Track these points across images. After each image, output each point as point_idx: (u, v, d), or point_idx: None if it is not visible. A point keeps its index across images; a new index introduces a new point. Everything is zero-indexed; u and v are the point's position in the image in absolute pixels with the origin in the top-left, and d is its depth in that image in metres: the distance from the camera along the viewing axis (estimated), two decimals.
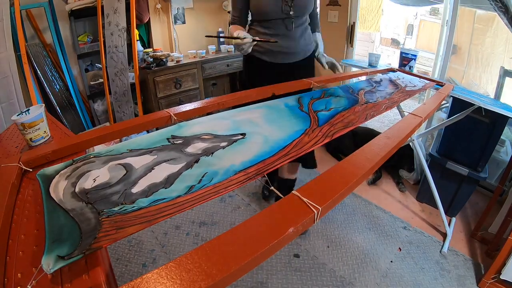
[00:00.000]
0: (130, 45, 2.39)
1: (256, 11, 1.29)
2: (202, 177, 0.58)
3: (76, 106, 2.56)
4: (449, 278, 1.39)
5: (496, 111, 1.34)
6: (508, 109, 1.37)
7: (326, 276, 1.40)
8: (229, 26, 1.43)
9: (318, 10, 1.56)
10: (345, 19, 2.40)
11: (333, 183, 0.56)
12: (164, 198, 0.52)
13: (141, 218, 0.47)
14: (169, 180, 0.57)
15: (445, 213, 1.70)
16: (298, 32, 1.33)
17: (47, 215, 0.47)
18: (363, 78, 1.55)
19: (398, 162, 2.17)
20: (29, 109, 0.82)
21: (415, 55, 1.82)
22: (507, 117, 1.38)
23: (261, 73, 1.38)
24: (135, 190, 0.54)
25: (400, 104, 1.28)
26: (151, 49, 2.68)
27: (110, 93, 2.55)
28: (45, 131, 0.85)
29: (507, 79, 1.93)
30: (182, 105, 0.92)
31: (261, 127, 0.80)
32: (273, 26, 1.29)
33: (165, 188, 0.55)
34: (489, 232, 1.57)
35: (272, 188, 0.60)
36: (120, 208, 0.49)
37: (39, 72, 2.30)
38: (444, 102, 1.51)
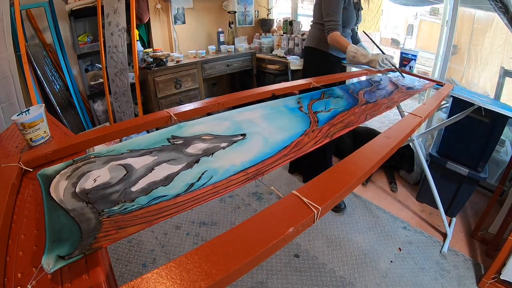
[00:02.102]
0: (130, 45, 2.38)
1: (344, 19, 1.62)
2: (202, 174, 0.58)
3: (76, 106, 2.56)
4: (449, 278, 1.39)
5: (496, 111, 1.34)
6: (508, 109, 1.37)
7: (326, 276, 1.40)
8: (328, 32, 1.57)
9: None
10: None
11: (333, 183, 0.56)
12: (164, 196, 0.52)
13: (141, 218, 0.47)
14: (169, 178, 0.57)
15: (445, 213, 1.70)
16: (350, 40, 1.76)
17: (48, 215, 0.47)
18: (363, 78, 1.56)
19: (398, 162, 2.18)
20: (29, 109, 0.82)
21: (415, 55, 1.83)
22: (507, 117, 1.38)
23: (333, 65, 1.79)
24: (134, 188, 0.54)
25: (400, 104, 1.28)
26: (151, 49, 2.68)
27: (110, 93, 2.55)
28: (45, 131, 0.85)
29: (507, 79, 1.93)
30: (182, 105, 0.92)
31: (261, 128, 0.80)
32: (346, 32, 1.71)
33: (164, 186, 0.55)
34: (489, 232, 1.57)
35: (272, 188, 0.60)
36: (120, 207, 0.49)
37: (39, 72, 2.30)
38: (444, 102, 1.51)
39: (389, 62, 1.51)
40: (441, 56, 2.11)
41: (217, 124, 0.80)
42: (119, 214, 0.48)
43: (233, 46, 3.07)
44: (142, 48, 2.70)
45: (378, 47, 1.66)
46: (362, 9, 1.76)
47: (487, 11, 2.01)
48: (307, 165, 2.06)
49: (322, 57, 1.75)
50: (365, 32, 1.75)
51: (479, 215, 1.68)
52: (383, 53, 1.58)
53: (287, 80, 2.92)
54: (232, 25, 3.17)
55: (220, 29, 3.11)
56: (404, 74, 1.57)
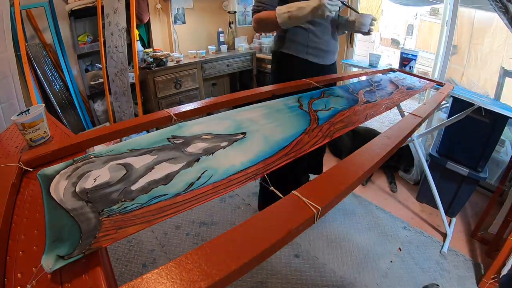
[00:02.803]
0: (130, 45, 2.39)
1: None
2: (202, 173, 0.58)
3: (76, 106, 2.56)
4: (449, 278, 1.39)
5: (496, 111, 1.34)
6: (508, 109, 1.37)
7: (326, 276, 1.40)
8: (252, 15, 1.20)
9: None
10: None
11: (333, 183, 0.56)
12: (164, 195, 0.52)
13: (141, 218, 0.47)
14: (169, 177, 0.57)
15: (445, 213, 1.70)
16: (336, 34, 1.32)
17: (48, 214, 0.47)
18: (363, 78, 1.56)
19: (396, 162, 2.18)
20: (29, 109, 0.82)
21: (415, 56, 1.83)
22: (507, 117, 1.38)
23: (303, 72, 1.27)
24: (134, 187, 0.54)
25: (400, 104, 1.28)
26: (151, 49, 2.68)
27: (110, 93, 2.55)
28: (45, 131, 0.85)
29: (507, 79, 1.93)
30: (182, 105, 0.92)
31: (261, 126, 0.80)
32: (322, 25, 1.22)
33: (165, 185, 0.55)
34: (489, 232, 1.57)
35: (272, 188, 0.60)
36: (120, 206, 0.49)
37: (39, 72, 2.30)
38: (444, 102, 1.51)
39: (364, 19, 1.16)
40: (441, 56, 2.11)
41: (217, 124, 0.80)
42: (119, 214, 0.48)
43: (234, 46, 3.07)
44: (142, 48, 2.70)
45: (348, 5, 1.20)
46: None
47: (487, 11, 2.01)
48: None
49: (291, 63, 1.29)
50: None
51: (479, 215, 1.68)
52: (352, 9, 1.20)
53: None
54: (232, 25, 3.18)
55: (220, 29, 3.11)
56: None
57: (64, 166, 0.60)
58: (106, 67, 2.48)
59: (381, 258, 1.50)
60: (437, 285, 1.31)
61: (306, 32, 1.23)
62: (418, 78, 1.54)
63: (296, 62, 1.28)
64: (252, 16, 1.19)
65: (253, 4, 1.20)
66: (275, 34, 1.34)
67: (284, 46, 1.28)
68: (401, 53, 1.88)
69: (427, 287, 1.31)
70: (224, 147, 0.69)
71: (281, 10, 1.10)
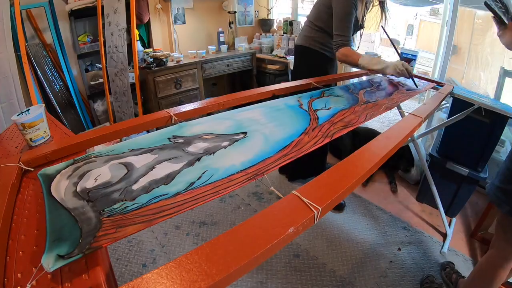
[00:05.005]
0: (130, 45, 2.38)
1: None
2: (203, 173, 0.58)
3: (76, 106, 2.56)
4: None
5: (496, 111, 1.34)
6: (508, 109, 1.37)
7: (326, 276, 1.40)
8: (338, 48, 1.50)
9: None
10: None
11: (333, 183, 0.56)
12: (165, 194, 0.52)
13: (141, 217, 0.47)
14: (170, 176, 0.57)
15: (445, 213, 1.70)
16: None
17: (48, 214, 0.47)
18: (364, 78, 1.56)
19: (396, 162, 2.18)
20: (29, 109, 0.82)
21: (415, 56, 1.82)
22: (507, 117, 1.38)
23: (325, 65, 1.75)
24: (135, 187, 0.54)
25: (400, 104, 1.28)
26: (151, 49, 2.68)
27: (110, 93, 2.55)
28: (45, 131, 0.85)
29: (507, 79, 1.93)
30: (182, 105, 0.92)
31: (262, 126, 0.80)
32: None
33: (166, 184, 0.55)
34: (489, 232, 1.57)
35: (272, 188, 0.60)
36: (121, 206, 0.49)
37: (39, 72, 2.30)
38: (444, 102, 1.51)
39: (406, 69, 1.38)
40: (441, 56, 2.11)
41: (218, 124, 0.80)
42: (119, 214, 0.48)
43: (234, 46, 3.07)
44: (142, 48, 2.70)
45: (395, 48, 1.55)
46: (362, 27, 1.68)
47: (487, 11, 2.00)
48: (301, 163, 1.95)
49: (315, 56, 1.71)
50: (383, 28, 1.60)
51: (479, 215, 1.67)
52: (400, 57, 1.52)
53: (287, 80, 2.92)
54: (232, 25, 3.18)
55: (220, 29, 3.11)
56: (416, 83, 1.45)
57: (64, 166, 0.60)
58: (106, 67, 2.48)
59: (381, 258, 1.50)
60: (438, 284, 1.31)
61: (330, 38, 1.62)
62: (418, 79, 1.54)
63: (319, 55, 1.71)
64: (339, 46, 1.50)
65: (341, 39, 1.49)
66: (307, 33, 1.72)
67: (313, 44, 1.69)
68: (401, 53, 1.88)
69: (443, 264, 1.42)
70: (225, 147, 0.69)
71: (363, 62, 1.46)
